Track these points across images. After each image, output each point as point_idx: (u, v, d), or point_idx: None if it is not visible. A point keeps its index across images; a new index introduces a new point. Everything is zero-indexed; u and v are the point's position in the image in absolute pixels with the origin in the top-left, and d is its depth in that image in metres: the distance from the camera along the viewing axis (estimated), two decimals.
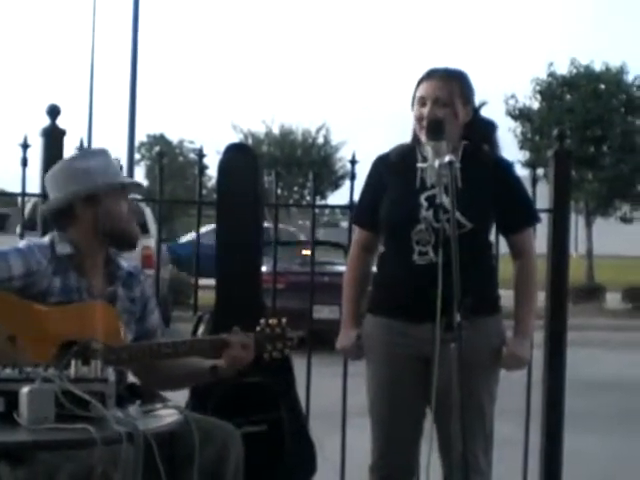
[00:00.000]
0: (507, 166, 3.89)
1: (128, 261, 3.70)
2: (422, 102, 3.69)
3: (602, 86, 26.14)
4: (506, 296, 3.85)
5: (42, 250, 3.43)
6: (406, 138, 3.84)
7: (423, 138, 3.64)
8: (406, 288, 3.67)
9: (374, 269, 3.91)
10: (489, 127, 3.86)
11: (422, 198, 3.67)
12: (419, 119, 3.69)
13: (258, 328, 3.58)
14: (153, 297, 3.76)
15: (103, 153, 3.64)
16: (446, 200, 3.52)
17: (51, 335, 3.26)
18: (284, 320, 3.62)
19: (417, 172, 3.70)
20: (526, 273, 3.82)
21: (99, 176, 3.50)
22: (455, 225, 3.27)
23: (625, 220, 28.15)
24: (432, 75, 3.74)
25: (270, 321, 3.60)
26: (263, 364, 3.61)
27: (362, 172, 4.04)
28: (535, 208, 3.96)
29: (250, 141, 37.81)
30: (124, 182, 3.63)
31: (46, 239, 3.51)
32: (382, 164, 3.92)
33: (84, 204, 3.48)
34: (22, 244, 3.50)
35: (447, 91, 3.70)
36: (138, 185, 3.95)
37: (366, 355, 3.85)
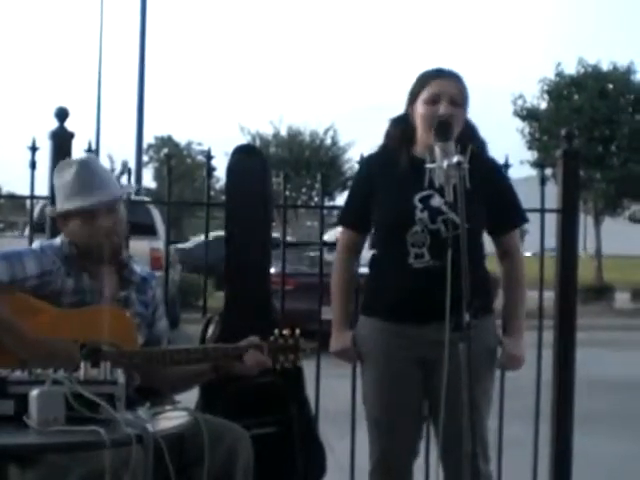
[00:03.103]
0: (499, 167, 3.92)
1: (142, 266, 3.73)
2: (434, 100, 3.65)
3: (610, 86, 26.15)
4: None
5: (55, 250, 3.47)
6: None
7: (427, 137, 3.61)
8: (404, 291, 3.65)
9: (366, 271, 3.88)
10: (473, 129, 3.83)
11: (416, 199, 3.65)
12: (430, 117, 3.62)
13: (272, 338, 3.60)
14: (162, 304, 3.78)
15: (76, 165, 3.58)
16: (440, 201, 3.52)
17: (65, 337, 3.27)
18: (297, 331, 3.63)
19: (410, 172, 3.67)
20: (516, 273, 3.83)
21: (62, 198, 3.54)
22: (464, 229, 3.19)
23: (634, 220, 28.13)
24: (443, 74, 3.71)
25: (284, 332, 3.62)
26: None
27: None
28: (523, 208, 3.91)
29: (258, 142, 37.78)
30: (71, 209, 3.50)
31: (57, 240, 3.53)
32: (371, 164, 3.90)
33: (59, 220, 3.57)
34: (35, 245, 3.53)
35: (460, 91, 3.69)
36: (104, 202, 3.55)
37: (363, 359, 3.82)
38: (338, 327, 3.87)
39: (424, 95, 3.69)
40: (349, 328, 3.86)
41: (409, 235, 3.63)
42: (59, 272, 3.42)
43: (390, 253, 3.73)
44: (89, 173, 3.55)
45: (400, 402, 3.71)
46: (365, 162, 4.01)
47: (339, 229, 4.00)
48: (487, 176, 3.73)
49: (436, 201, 3.59)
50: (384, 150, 3.87)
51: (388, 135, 3.83)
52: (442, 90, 3.66)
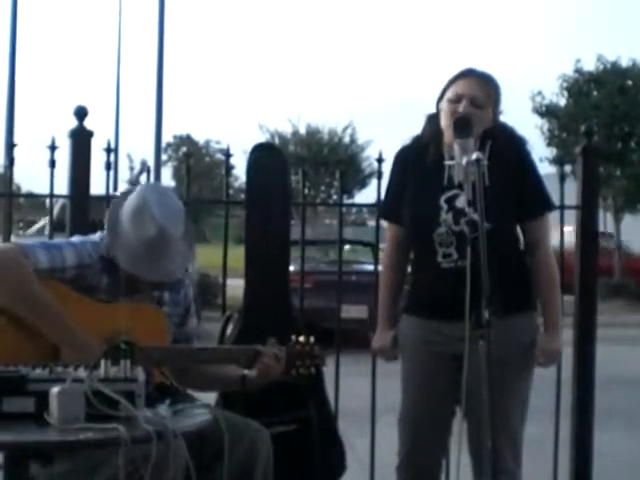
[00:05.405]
0: (525, 150, 3.84)
1: None
2: (457, 99, 3.65)
3: (629, 82, 25.98)
4: None
5: (93, 245, 3.46)
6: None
7: (449, 135, 3.61)
8: (435, 290, 3.68)
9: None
10: (507, 131, 3.79)
11: (442, 200, 3.65)
12: (450, 114, 3.62)
13: (290, 344, 3.62)
14: (194, 302, 3.78)
15: (156, 232, 3.39)
16: (464, 201, 3.51)
17: (98, 332, 3.27)
18: (312, 339, 3.65)
19: (438, 170, 3.66)
20: (547, 267, 3.75)
21: (127, 252, 3.38)
22: (483, 229, 3.16)
23: None
24: (471, 74, 3.71)
25: (300, 338, 3.64)
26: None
27: (389, 171, 4.02)
28: (548, 195, 3.81)
29: (277, 140, 37.69)
30: (135, 273, 3.40)
31: (97, 236, 3.52)
32: (405, 156, 3.89)
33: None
34: (74, 238, 3.54)
35: (485, 93, 3.67)
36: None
37: (402, 355, 3.85)
38: (381, 326, 3.90)
39: (449, 93, 3.70)
40: (392, 327, 3.88)
41: (436, 235, 3.64)
42: (96, 267, 3.42)
43: (420, 252, 3.77)
44: (164, 243, 3.41)
45: (434, 398, 3.73)
46: (399, 154, 3.98)
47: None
48: (515, 161, 3.70)
49: (461, 202, 3.58)
50: (417, 143, 3.85)
51: (424, 130, 3.84)
52: (464, 90, 3.66)
